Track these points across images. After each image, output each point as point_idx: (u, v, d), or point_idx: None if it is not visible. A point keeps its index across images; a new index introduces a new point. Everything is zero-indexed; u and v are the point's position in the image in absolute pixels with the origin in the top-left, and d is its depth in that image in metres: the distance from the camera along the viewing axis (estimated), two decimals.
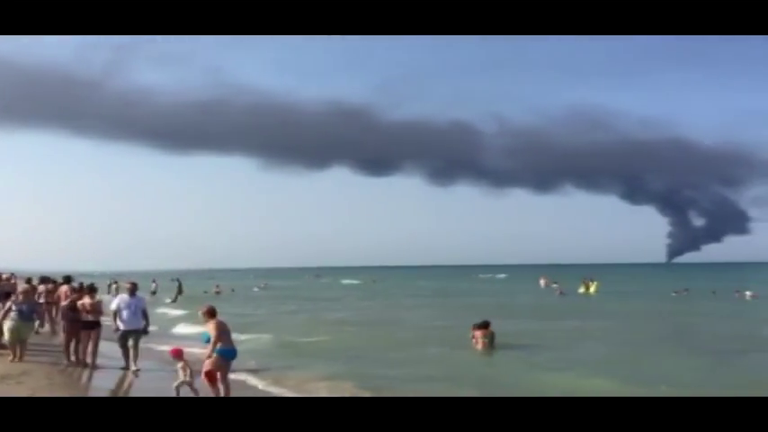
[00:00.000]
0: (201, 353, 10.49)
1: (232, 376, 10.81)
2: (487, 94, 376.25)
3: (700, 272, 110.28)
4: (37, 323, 15.37)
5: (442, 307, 34.62)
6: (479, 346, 16.67)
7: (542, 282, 57.63)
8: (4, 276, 21.92)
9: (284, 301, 42.26)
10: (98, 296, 13.61)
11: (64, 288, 16.32)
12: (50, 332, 17.33)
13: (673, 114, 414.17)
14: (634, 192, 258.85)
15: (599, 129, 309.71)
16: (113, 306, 13.04)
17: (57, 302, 16.65)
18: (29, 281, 18.17)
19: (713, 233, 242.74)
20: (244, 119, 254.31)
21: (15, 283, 19.75)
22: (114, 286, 43.51)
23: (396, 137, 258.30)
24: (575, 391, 10.57)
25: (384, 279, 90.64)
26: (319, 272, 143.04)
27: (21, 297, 13.24)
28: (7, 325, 12.61)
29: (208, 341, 9.99)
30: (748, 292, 38.35)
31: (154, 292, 45.84)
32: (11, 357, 12.55)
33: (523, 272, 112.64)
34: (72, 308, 13.20)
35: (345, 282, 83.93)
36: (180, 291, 43.47)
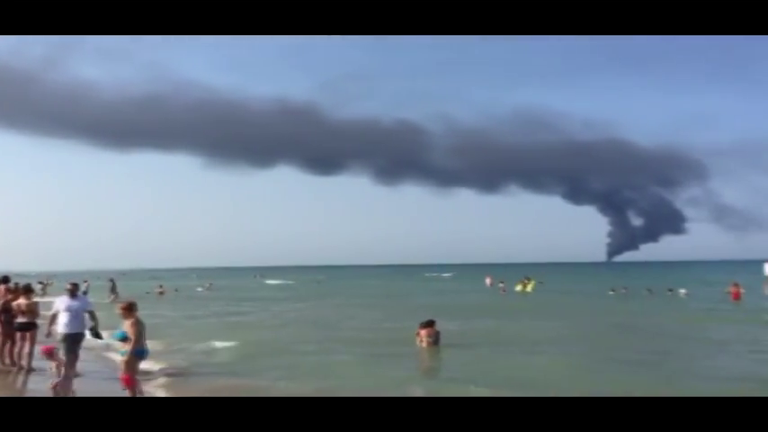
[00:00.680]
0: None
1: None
2: (434, 94, 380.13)
3: (638, 270, 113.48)
4: None
5: (383, 307, 34.70)
6: (424, 345, 16.82)
7: (488, 281, 58.47)
8: None
9: (227, 301, 41.58)
10: (35, 297, 13.19)
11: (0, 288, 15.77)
12: None
13: (613, 116, 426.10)
14: (576, 192, 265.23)
15: (543, 129, 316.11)
16: (53, 308, 12.51)
17: None
18: None
19: (651, 233, 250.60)
20: (187, 116, 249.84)
21: None
22: (40, 287, 42.05)
23: (342, 135, 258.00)
24: (512, 391, 10.81)
25: (330, 279, 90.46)
26: (264, 272, 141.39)
27: None
28: None
29: (123, 339, 9.60)
30: (682, 290, 39.67)
31: (85, 293, 44.40)
32: None
33: (470, 271, 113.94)
34: (6, 309, 12.78)
35: (289, 282, 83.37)
36: (113, 291, 42.34)
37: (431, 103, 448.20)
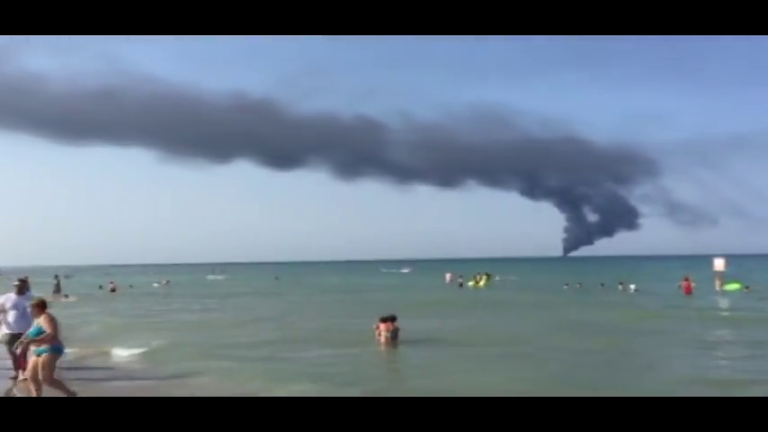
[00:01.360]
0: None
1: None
2: (393, 90, 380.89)
3: (593, 265, 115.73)
4: None
5: (340, 302, 34.61)
6: (382, 340, 16.78)
7: (448, 277, 58.83)
8: None
9: (181, 298, 40.80)
10: None
11: None
12: None
13: (570, 114, 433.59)
14: (533, 188, 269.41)
15: (501, 127, 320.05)
16: None
17: None
18: None
19: (606, 228, 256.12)
20: (142, 109, 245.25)
21: None
22: None
23: (300, 131, 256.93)
24: (468, 388, 10.75)
25: (288, 275, 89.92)
26: (222, 268, 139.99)
27: None
28: None
29: (37, 335, 9.25)
30: (632, 286, 40.57)
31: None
32: None
33: (428, 267, 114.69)
34: None
35: (246, 278, 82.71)
36: (57, 289, 41.39)
37: (389, 99, 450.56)
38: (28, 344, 9.43)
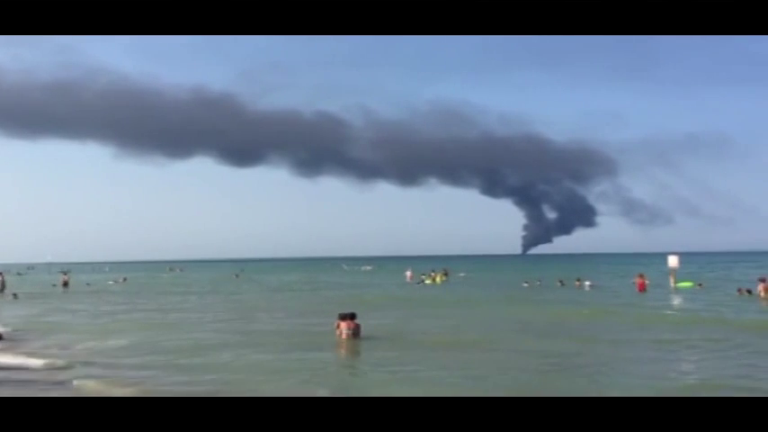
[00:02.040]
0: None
1: None
2: (353, 87, 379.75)
3: (552, 263, 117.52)
4: None
5: (301, 300, 34.51)
6: (343, 338, 16.79)
7: (408, 274, 59.07)
8: None
9: (137, 296, 40.11)
10: None
11: None
12: None
13: (529, 112, 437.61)
14: (493, 186, 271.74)
15: (461, 124, 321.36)
16: None
17: None
18: None
19: (564, 226, 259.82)
20: (98, 103, 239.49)
21: None
22: None
23: (261, 127, 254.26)
24: (427, 386, 10.88)
25: (249, 272, 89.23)
26: (181, 265, 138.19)
27: None
28: None
29: None
30: (587, 283, 41.35)
31: None
32: None
33: (390, 264, 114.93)
34: None
35: (206, 275, 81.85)
36: (2, 287, 40.47)
37: (351, 96, 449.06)
38: None
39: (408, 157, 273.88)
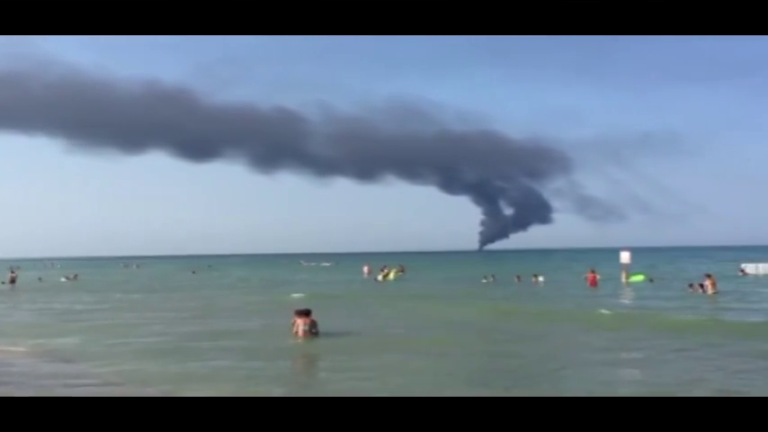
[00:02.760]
0: None
1: None
2: (311, 82, 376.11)
3: (508, 258, 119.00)
4: None
5: (257, 296, 34.37)
6: (300, 334, 16.79)
7: (366, 269, 59.26)
8: None
9: (88, 293, 39.43)
10: None
11: None
12: None
13: (486, 109, 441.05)
14: (450, 182, 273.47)
15: (418, 120, 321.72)
16: None
17: None
18: None
19: (521, 222, 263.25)
20: (48, 95, 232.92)
21: None
22: None
23: (217, 121, 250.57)
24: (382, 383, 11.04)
25: (205, 268, 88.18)
26: (136, 261, 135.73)
27: None
28: None
29: None
30: (541, 278, 42.14)
31: None
32: None
33: (349, 260, 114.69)
34: None
35: (160, 271, 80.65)
36: None
37: (308, 91, 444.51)
38: None
39: (366, 153, 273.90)
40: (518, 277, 45.22)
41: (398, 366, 12.96)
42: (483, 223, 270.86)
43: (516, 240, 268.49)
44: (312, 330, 16.85)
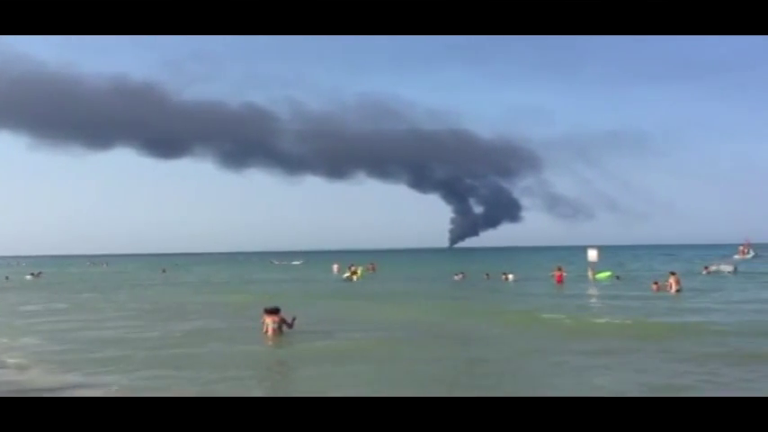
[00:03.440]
0: None
1: None
2: (281, 79, 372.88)
3: (478, 256, 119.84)
4: None
5: (225, 295, 34.16)
6: (269, 333, 16.77)
7: (335, 267, 59.29)
8: None
9: (54, 292, 38.78)
10: None
11: None
12: None
13: (456, 107, 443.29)
14: (421, 180, 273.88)
15: (389, 118, 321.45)
16: None
17: None
18: None
19: (491, 220, 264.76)
20: (11, 90, 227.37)
21: None
22: None
23: (185, 118, 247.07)
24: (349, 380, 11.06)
25: (175, 267, 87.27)
26: (102, 260, 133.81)
27: None
28: None
29: None
30: (510, 276, 42.60)
31: None
32: None
33: (320, 258, 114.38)
34: None
35: (128, 270, 79.67)
36: None
37: (278, 88, 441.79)
38: None
39: (336, 151, 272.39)
40: (487, 275, 45.65)
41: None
42: (453, 221, 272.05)
43: (486, 238, 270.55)
44: (282, 328, 16.85)
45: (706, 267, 48.34)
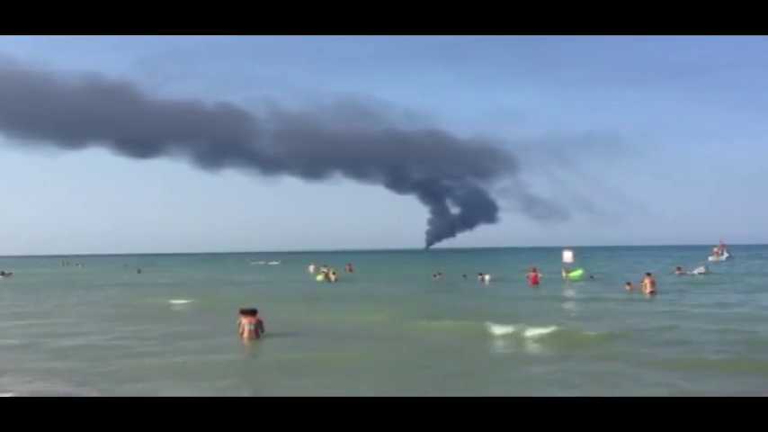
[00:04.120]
0: None
1: None
2: (257, 78, 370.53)
3: (455, 257, 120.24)
4: None
5: (201, 296, 33.72)
6: (245, 335, 16.64)
7: (311, 268, 59.14)
8: None
9: (24, 292, 38.24)
10: None
11: None
12: None
13: (433, 108, 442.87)
14: (398, 181, 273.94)
15: (366, 118, 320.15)
16: None
17: None
18: None
19: (467, 221, 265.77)
20: None
21: None
22: None
23: (160, 117, 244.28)
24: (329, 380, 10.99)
25: (149, 267, 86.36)
26: (76, 260, 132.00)
27: None
28: None
29: None
30: (487, 277, 42.88)
31: None
32: None
33: (298, 259, 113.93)
34: None
35: (100, 270, 78.70)
36: None
37: (254, 88, 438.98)
38: None
39: (313, 151, 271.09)
40: (464, 276, 45.91)
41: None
42: (430, 222, 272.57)
43: (463, 239, 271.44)
44: (257, 330, 16.71)
45: (678, 268, 48.99)
